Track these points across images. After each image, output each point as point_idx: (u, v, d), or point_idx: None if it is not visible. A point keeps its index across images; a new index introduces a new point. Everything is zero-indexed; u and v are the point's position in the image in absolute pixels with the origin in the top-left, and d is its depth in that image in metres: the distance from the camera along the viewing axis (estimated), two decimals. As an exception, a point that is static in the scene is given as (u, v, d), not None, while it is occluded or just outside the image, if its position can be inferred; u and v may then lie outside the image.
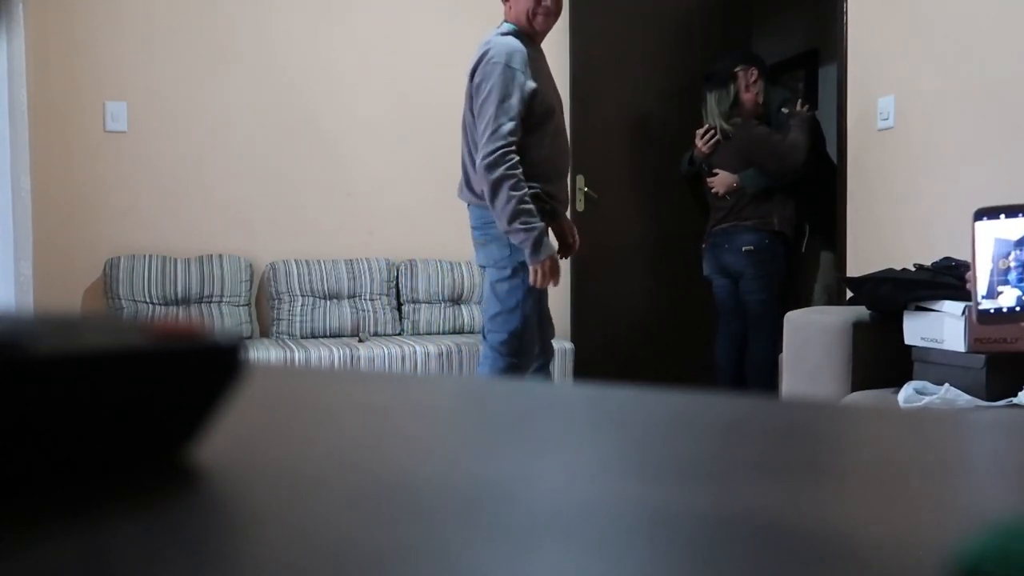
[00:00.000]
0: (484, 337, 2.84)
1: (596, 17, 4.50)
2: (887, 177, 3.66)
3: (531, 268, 2.72)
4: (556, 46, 4.58)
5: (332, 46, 4.37)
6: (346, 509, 0.22)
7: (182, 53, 4.17)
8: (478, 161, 2.70)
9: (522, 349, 2.80)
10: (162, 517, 0.21)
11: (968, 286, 1.31)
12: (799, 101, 4.09)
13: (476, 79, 2.76)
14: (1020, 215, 1.27)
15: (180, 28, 4.17)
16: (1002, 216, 1.27)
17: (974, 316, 1.30)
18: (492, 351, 2.80)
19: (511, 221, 2.68)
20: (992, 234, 1.27)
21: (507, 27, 2.87)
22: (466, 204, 2.86)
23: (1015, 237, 1.26)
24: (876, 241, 3.70)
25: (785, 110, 4.03)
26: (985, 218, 1.28)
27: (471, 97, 2.78)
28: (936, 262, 2.69)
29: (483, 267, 2.87)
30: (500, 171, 2.67)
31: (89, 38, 4.05)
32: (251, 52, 4.25)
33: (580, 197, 4.48)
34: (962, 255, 2.56)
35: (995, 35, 3.16)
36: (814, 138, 4.04)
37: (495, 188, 2.68)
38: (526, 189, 2.69)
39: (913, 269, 2.71)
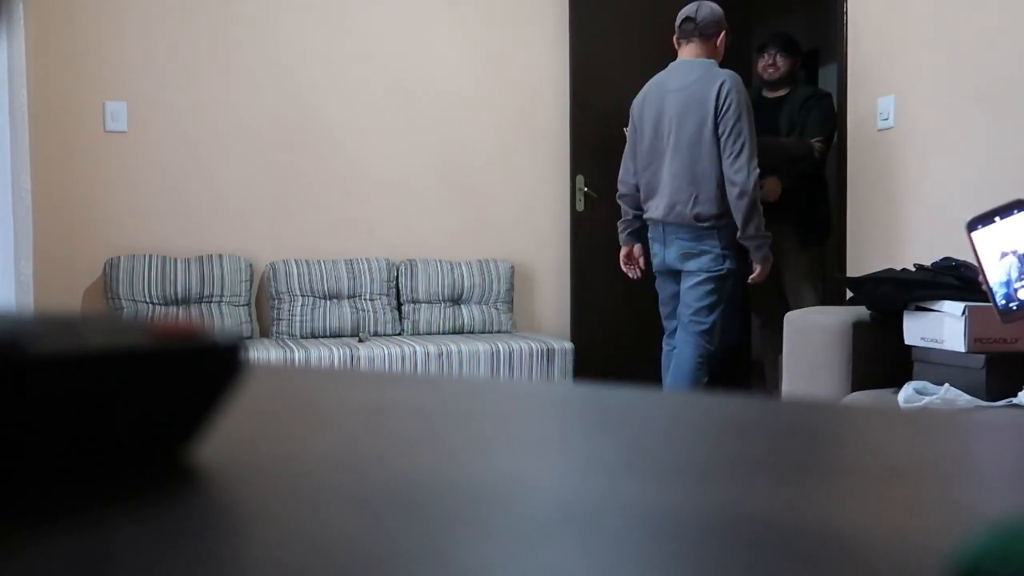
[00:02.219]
0: (686, 324, 3.37)
1: (596, 17, 4.50)
2: (887, 177, 3.66)
3: (761, 267, 3.31)
4: (556, 46, 4.59)
5: (332, 46, 4.37)
6: (346, 509, 0.22)
7: (182, 53, 4.17)
8: (742, 175, 3.19)
9: (717, 338, 3.37)
10: (162, 517, 0.21)
11: (983, 288, 1.30)
12: (816, 146, 3.93)
13: (726, 101, 3.20)
14: (1014, 212, 1.27)
15: (180, 28, 4.17)
16: (996, 219, 1.27)
17: (997, 317, 1.29)
18: (696, 338, 3.34)
19: (759, 230, 3.24)
20: (994, 239, 1.27)
21: (714, 62, 3.35)
22: (673, 223, 3.32)
23: (1018, 244, 1.25)
24: (876, 241, 3.70)
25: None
26: (979, 226, 1.28)
27: (714, 119, 3.22)
28: (936, 262, 2.69)
29: (681, 271, 3.36)
30: (756, 190, 3.22)
31: (89, 38, 4.05)
32: (251, 52, 4.25)
33: (580, 197, 4.48)
34: (962, 255, 2.56)
35: (995, 35, 3.16)
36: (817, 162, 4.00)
37: (755, 203, 3.21)
38: None
39: (913, 269, 2.71)
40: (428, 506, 0.23)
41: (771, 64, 4.11)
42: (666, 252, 3.37)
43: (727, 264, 3.30)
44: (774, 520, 0.22)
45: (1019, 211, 1.27)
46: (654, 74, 4.64)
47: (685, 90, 3.27)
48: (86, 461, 0.25)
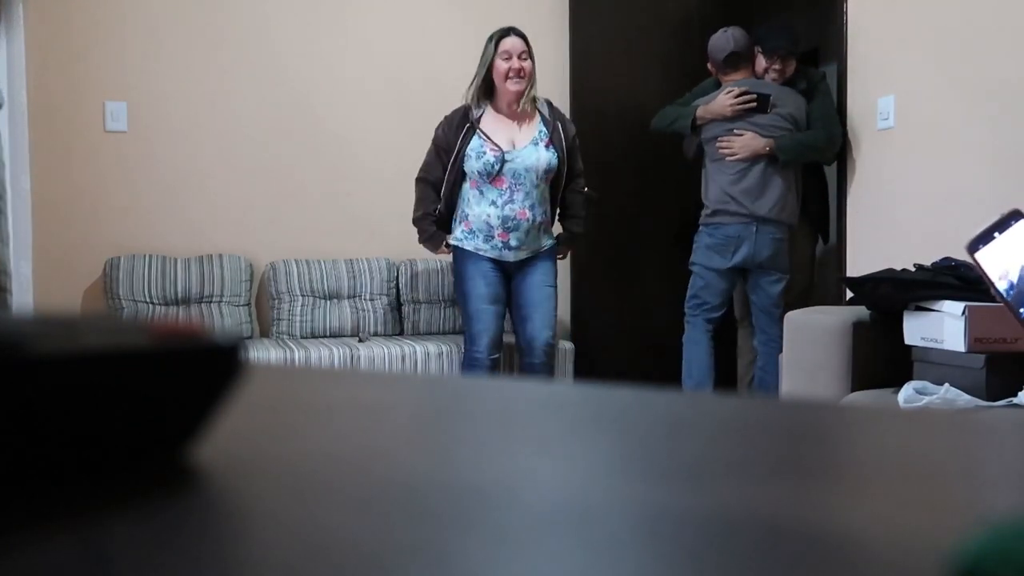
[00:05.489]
0: (772, 320, 3.61)
1: (596, 16, 4.50)
2: (887, 177, 3.66)
3: None
4: (555, 45, 4.58)
5: (332, 45, 4.36)
6: (346, 509, 0.22)
7: (182, 53, 4.17)
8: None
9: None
10: (162, 517, 0.21)
11: (997, 300, 1.30)
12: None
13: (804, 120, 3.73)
14: (1011, 223, 1.26)
15: (180, 28, 4.17)
16: (996, 235, 1.27)
17: (1021, 329, 1.29)
18: (780, 335, 3.45)
19: None
20: (998, 255, 1.27)
21: None
22: (780, 222, 3.62)
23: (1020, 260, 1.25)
24: (876, 241, 3.70)
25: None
26: (981, 246, 1.28)
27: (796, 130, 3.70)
28: (936, 262, 2.69)
29: (757, 269, 3.65)
30: None
31: (89, 38, 4.05)
32: (251, 52, 4.25)
33: (580, 197, 4.48)
34: (962, 255, 2.56)
35: (995, 35, 3.16)
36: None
37: None
38: None
39: (913, 269, 2.71)
40: (428, 506, 0.23)
41: (778, 70, 3.75)
42: (756, 249, 3.60)
43: None
44: (774, 520, 0.22)
45: (1016, 221, 1.27)
46: (653, 74, 4.65)
47: (780, 106, 3.64)
48: (86, 461, 0.25)
